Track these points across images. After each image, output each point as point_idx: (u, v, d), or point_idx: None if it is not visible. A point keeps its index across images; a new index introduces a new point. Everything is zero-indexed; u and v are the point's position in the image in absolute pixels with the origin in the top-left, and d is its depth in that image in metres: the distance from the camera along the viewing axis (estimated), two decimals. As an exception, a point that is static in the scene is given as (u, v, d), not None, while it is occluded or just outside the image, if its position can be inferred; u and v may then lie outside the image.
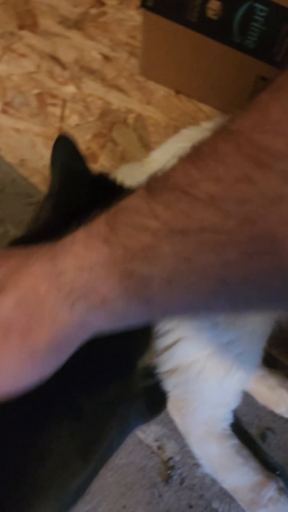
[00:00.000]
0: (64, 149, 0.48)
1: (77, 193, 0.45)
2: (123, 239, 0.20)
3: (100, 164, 0.78)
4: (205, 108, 0.85)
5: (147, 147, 0.81)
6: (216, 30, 0.68)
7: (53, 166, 0.48)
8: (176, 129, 0.83)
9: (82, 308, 0.21)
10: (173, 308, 0.21)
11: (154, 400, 0.56)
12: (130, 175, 0.63)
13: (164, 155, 0.62)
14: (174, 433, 0.58)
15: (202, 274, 0.18)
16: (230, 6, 0.64)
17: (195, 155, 0.19)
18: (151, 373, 0.56)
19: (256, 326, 0.54)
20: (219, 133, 0.19)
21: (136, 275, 0.20)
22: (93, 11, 0.93)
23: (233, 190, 0.17)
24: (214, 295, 0.19)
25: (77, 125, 0.81)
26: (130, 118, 0.82)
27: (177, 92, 0.85)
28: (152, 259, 0.19)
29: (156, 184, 0.20)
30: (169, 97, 0.85)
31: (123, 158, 0.79)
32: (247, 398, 0.59)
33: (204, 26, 0.68)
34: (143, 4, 0.71)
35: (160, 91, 0.86)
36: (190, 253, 0.18)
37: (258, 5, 0.62)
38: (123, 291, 0.20)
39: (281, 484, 0.53)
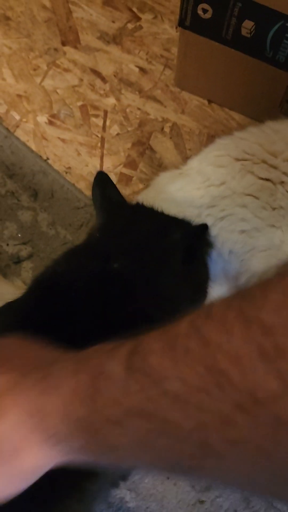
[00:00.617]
0: (103, 183, 0.56)
1: (120, 219, 0.53)
2: (101, 408, 0.22)
3: (139, 170, 0.85)
4: (237, 116, 0.91)
5: (182, 154, 0.87)
6: (250, 46, 0.74)
7: (95, 199, 0.56)
8: (209, 137, 0.89)
9: (62, 449, 0.24)
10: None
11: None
12: (170, 182, 0.69)
13: (201, 163, 0.68)
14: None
15: (158, 457, 0.21)
16: (263, 25, 0.69)
17: (174, 339, 0.20)
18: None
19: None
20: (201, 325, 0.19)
21: (104, 439, 0.22)
22: (130, 26, 1.00)
23: (194, 397, 0.18)
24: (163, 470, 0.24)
25: (117, 134, 0.88)
26: (166, 127, 0.89)
27: (210, 101, 0.91)
28: (119, 430, 0.21)
29: (136, 361, 0.21)
30: (202, 106, 0.91)
31: (160, 165, 0.85)
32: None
33: (238, 43, 0.74)
34: (181, 24, 0.77)
35: (194, 101, 0.92)
36: (150, 438, 0.20)
37: (290, 24, 0.67)
38: (91, 449, 0.23)
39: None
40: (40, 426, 0.24)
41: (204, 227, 0.55)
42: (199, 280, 0.54)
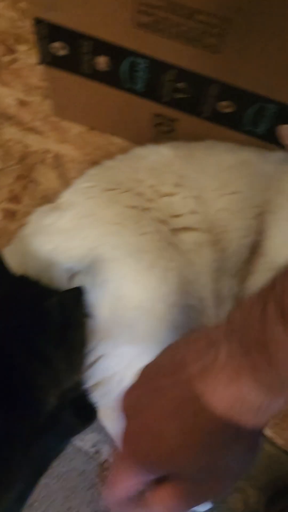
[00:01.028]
0: None
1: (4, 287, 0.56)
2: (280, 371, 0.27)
3: (23, 204, 0.86)
4: (117, 140, 0.94)
5: (66, 183, 0.89)
6: (109, 79, 0.77)
7: None
8: (91, 163, 0.92)
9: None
10: None
11: (85, 412, 0.65)
12: (44, 216, 0.71)
13: (72, 196, 0.71)
14: (108, 438, 0.67)
15: None
16: (116, 60, 0.73)
17: None
18: (79, 388, 0.64)
19: (163, 337, 0.64)
20: None
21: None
22: (5, 58, 1.00)
23: None
24: None
25: (-1, 170, 0.88)
26: (49, 158, 0.90)
27: (91, 128, 0.94)
28: None
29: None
30: (83, 133, 0.94)
31: (45, 197, 0.87)
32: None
33: (97, 76, 0.78)
34: (42, 61, 0.79)
35: (74, 129, 0.94)
36: None
37: (139, 59, 0.72)
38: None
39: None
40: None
41: (78, 291, 0.59)
42: (76, 341, 0.58)
